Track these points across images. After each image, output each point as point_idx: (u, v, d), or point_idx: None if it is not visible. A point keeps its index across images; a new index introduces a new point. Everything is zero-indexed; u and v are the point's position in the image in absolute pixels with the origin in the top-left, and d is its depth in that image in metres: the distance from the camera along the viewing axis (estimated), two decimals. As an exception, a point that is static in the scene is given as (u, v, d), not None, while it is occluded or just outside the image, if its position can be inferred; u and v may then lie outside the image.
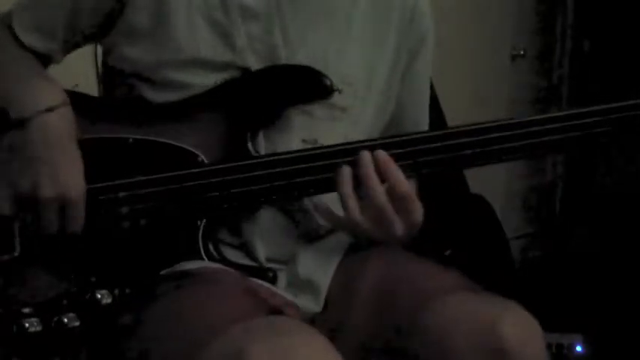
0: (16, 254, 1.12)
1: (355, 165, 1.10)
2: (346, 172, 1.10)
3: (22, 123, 1.09)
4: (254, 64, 1.16)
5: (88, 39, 1.23)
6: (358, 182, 1.10)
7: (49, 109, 1.09)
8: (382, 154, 1.10)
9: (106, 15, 1.17)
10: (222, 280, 1.10)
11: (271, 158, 1.13)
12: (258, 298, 1.08)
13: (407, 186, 1.09)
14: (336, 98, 1.18)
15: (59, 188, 1.08)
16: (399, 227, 1.10)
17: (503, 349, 1.02)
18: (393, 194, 1.08)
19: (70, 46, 1.23)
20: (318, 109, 1.19)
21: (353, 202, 1.09)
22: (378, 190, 1.08)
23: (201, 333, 0.95)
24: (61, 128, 1.10)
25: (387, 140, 1.13)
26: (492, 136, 1.11)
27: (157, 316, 1.06)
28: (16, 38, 1.18)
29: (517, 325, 1.04)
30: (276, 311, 1.04)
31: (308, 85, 1.16)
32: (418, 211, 1.10)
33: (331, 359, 0.93)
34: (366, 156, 1.10)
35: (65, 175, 1.09)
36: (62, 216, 1.09)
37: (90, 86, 1.31)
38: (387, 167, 1.09)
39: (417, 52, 1.29)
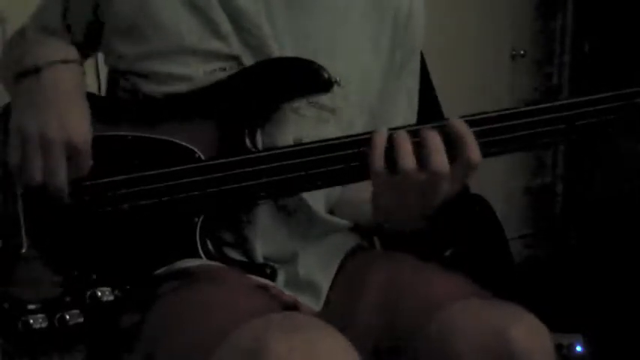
0: (23, 251, 1.13)
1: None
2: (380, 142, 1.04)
3: (36, 71, 1.11)
4: (243, 54, 1.16)
5: (86, 37, 1.24)
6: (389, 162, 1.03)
7: (64, 62, 1.13)
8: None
9: (93, 7, 1.20)
10: (225, 277, 1.09)
11: (270, 153, 1.12)
12: (270, 294, 1.07)
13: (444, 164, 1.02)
14: (325, 99, 1.17)
15: (66, 132, 1.09)
16: (427, 206, 1.06)
17: (512, 356, 1.01)
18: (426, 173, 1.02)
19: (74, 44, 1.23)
20: (306, 109, 1.18)
21: (382, 178, 1.03)
22: (413, 169, 1.02)
23: (215, 330, 0.94)
24: (73, 80, 1.14)
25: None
26: (495, 126, 1.08)
27: (160, 316, 1.06)
28: None
29: (526, 332, 1.03)
30: (290, 307, 1.04)
31: (306, 79, 1.14)
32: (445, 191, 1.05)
33: (349, 356, 0.93)
34: (402, 134, 1.04)
35: (73, 120, 1.10)
36: (68, 164, 1.10)
37: (90, 89, 1.31)
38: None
39: (406, 63, 1.28)
